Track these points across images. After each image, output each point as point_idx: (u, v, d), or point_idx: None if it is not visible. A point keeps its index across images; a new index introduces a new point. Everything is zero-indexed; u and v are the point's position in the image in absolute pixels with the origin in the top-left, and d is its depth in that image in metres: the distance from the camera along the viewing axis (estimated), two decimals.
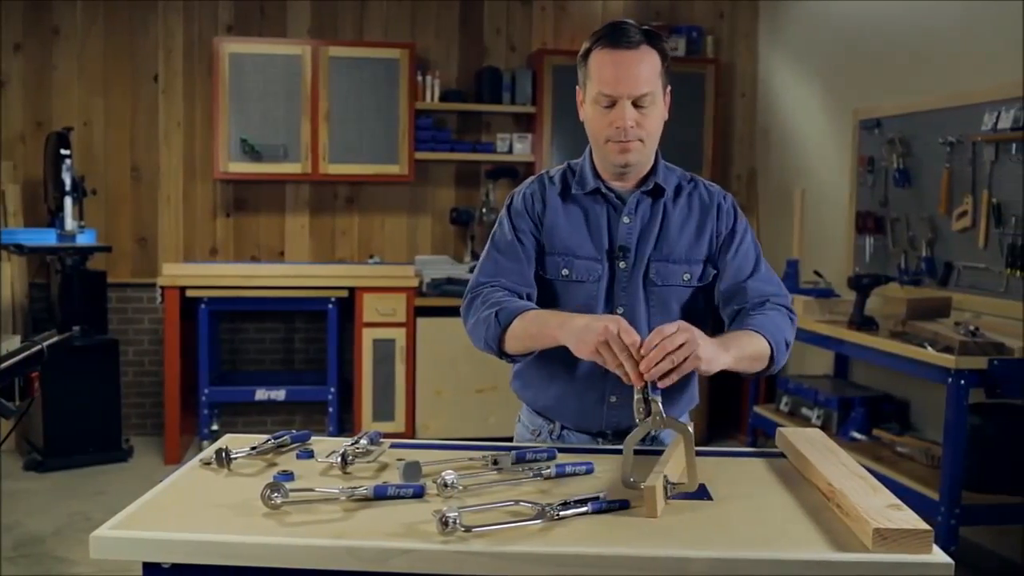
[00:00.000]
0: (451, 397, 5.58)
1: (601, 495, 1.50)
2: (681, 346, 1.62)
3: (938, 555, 1.39)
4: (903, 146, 4.68)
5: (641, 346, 1.63)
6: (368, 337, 5.48)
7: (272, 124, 5.65)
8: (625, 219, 1.98)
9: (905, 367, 3.86)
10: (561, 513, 1.44)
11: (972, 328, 3.64)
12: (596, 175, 2.00)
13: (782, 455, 1.92)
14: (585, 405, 1.99)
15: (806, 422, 4.72)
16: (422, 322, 5.55)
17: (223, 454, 1.77)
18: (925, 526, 1.41)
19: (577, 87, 1.99)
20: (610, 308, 1.97)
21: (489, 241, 2.08)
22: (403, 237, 6.14)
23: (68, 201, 5.17)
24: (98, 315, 5.44)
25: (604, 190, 1.99)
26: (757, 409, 5.17)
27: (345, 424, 5.64)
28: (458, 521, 1.37)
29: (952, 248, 4.36)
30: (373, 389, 5.50)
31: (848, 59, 5.30)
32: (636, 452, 1.66)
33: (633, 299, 1.98)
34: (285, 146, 5.66)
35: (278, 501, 1.51)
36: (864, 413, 4.48)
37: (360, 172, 5.80)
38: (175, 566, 1.43)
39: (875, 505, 1.49)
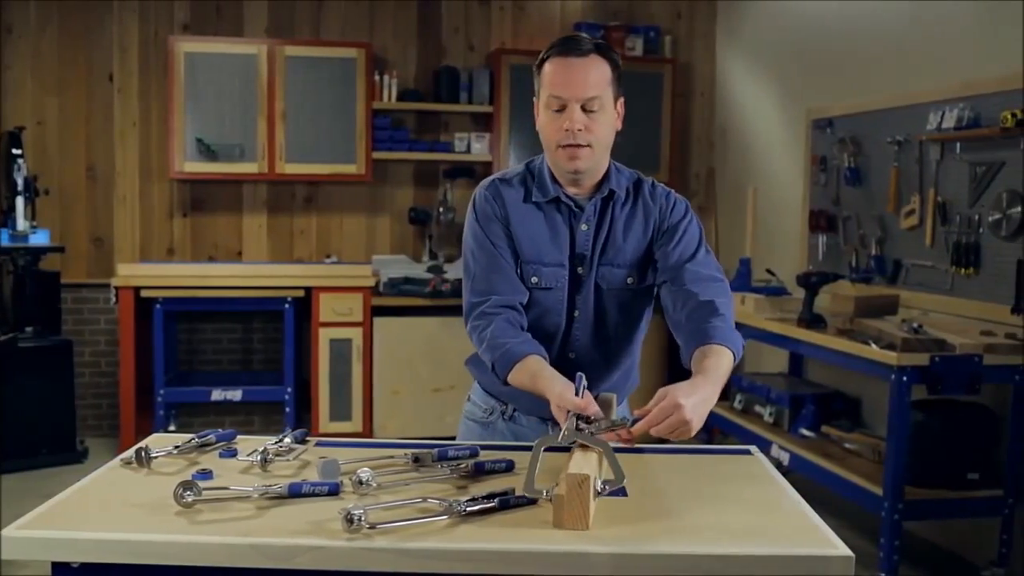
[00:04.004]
0: (408, 397, 5.58)
1: (508, 491, 1.51)
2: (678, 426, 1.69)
3: (841, 548, 1.41)
4: (854, 145, 4.73)
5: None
6: (325, 337, 5.47)
7: (228, 124, 5.62)
8: (583, 226, 2.02)
9: (851, 364, 3.90)
10: (468, 509, 1.45)
11: (916, 325, 3.69)
12: (555, 182, 2.03)
13: (708, 452, 1.94)
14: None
15: (759, 419, 4.76)
16: (379, 322, 5.55)
17: (143, 453, 1.77)
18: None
19: (534, 98, 2.03)
20: (571, 314, 2.01)
21: (468, 255, 2.07)
22: (361, 237, 6.13)
23: (20, 201, 5.13)
24: (51, 316, 5.40)
25: (564, 198, 2.02)
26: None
27: (303, 424, 5.62)
28: (363, 518, 1.38)
29: (901, 246, 4.41)
30: (330, 389, 5.50)
31: (802, 59, 5.35)
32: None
33: (587, 304, 2.02)
34: (241, 146, 5.63)
35: (190, 499, 1.51)
36: (814, 410, 4.51)
37: (317, 172, 5.79)
38: (84, 565, 1.42)
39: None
